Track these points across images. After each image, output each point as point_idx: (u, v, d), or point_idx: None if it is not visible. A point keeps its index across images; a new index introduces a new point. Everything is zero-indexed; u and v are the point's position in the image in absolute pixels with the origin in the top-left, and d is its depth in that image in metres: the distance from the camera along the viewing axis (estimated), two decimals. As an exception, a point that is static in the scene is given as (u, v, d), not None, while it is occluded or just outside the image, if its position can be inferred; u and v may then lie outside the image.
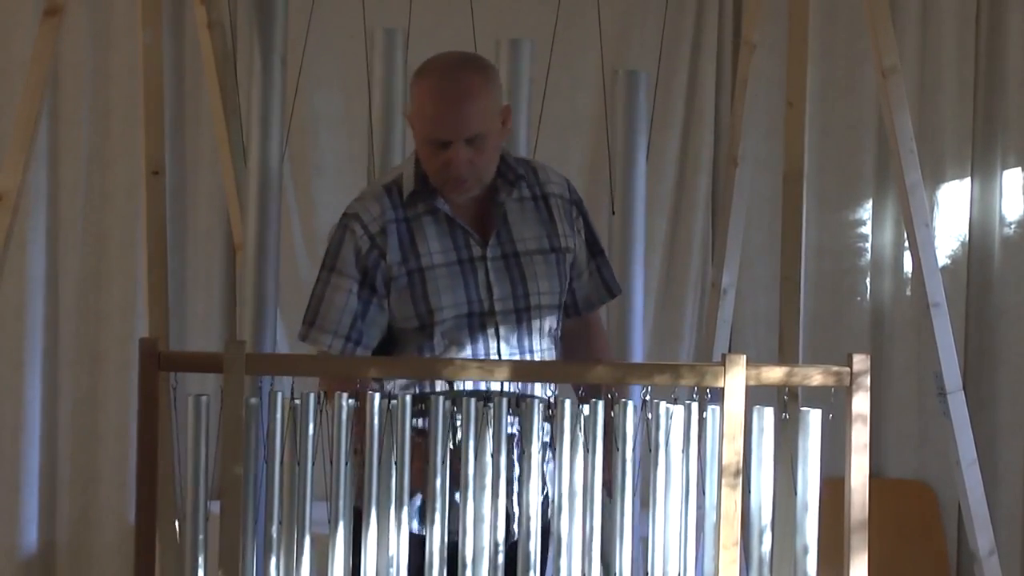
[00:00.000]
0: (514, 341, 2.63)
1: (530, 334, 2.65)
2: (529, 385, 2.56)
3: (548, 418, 2.42)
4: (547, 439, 2.47)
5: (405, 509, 2.37)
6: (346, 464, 2.36)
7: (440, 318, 2.60)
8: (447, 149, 2.55)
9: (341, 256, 2.65)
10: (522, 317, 2.63)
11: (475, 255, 2.63)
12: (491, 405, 2.37)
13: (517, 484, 2.45)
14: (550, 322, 2.68)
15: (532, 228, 2.67)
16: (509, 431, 2.41)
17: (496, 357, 2.59)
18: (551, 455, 2.43)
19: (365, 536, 2.37)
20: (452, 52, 2.65)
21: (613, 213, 3.34)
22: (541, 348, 2.66)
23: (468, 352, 2.60)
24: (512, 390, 2.48)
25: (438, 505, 2.37)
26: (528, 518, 2.38)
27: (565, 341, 2.78)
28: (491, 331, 2.61)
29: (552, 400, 2.44)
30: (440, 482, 2.37)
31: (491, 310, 2.62)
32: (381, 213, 2.63)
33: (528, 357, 2.62)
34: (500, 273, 2.63)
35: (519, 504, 2.43)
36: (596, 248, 2.79)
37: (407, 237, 2.62)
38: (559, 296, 2.69)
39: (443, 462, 2.37)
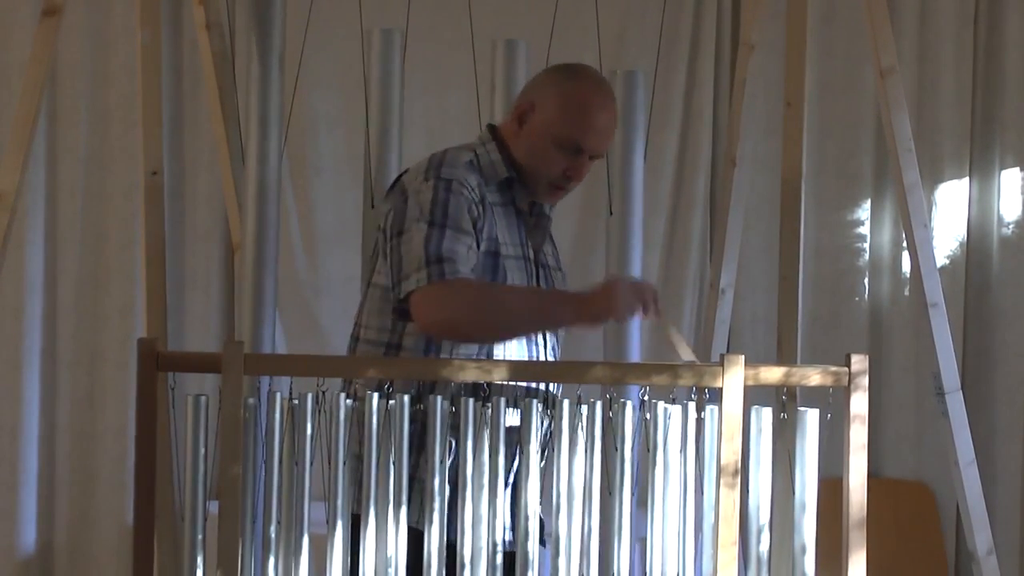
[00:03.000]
0: (553, 343, 2.67)
1: (557, 342, 2.70)
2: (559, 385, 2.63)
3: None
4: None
5: (404, 508, 2.37)
6: (344, 464, 2.36)
7: None
8: (578, 156, 2.60)
9: (452, 214, 2.46)
10: None
11: (529, 256, 2.67)
12: (489, 405, 2.37)
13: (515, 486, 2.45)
14: (560, 335, 2.74)
15: (550, 245, 2.77)
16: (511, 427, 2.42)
17: (545, 353, 2.63)
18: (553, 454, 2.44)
19: (364, 537, 2.37)
20: (592, 68, 2.70)
21: (611, 213, 3.34)
22: (558, 357, 2.71)
23: (524, 345, 2.60)
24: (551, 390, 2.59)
25: (436, 505, 2.37)
26: (527, 518, 2.38)
27: None
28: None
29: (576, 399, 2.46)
30: (439, 481, 2.37)
31: None
32: (477, 186, 2.54)
33: (553, 358, 2.68)
34: (546, 280, 2.70)
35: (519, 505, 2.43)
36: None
37: (492, 218, 2.57)
38: None
39: (442, 461, 2.37)
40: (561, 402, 2.38)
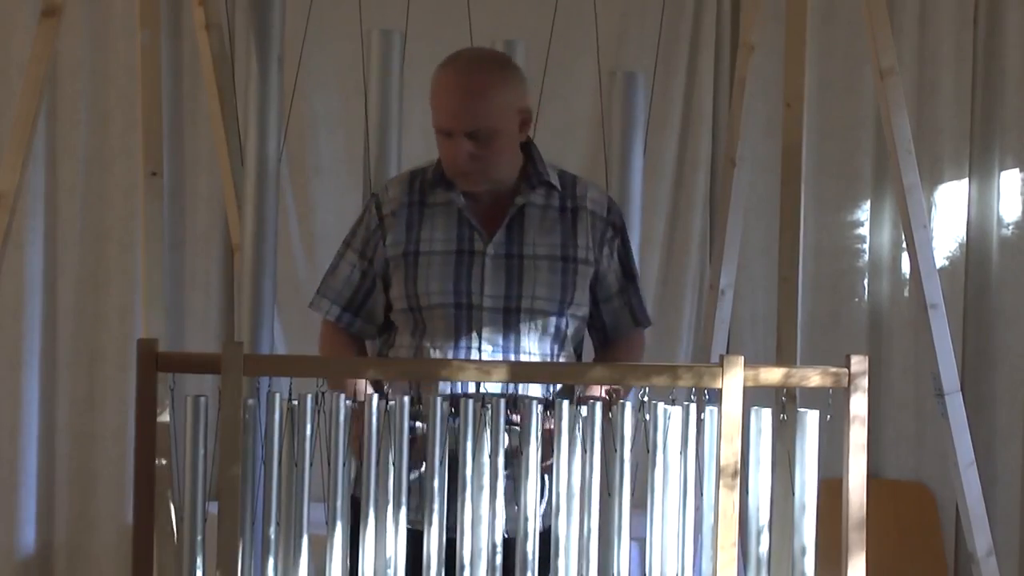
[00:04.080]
0: (499, 340, 2.62)
1: (518, 335, 2.63)
2: (525, 387, 2.56)
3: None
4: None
5: (404, 509, 2.37)
6: (344, 465, 2.36)
7: (427, 303, 2.63)
8: (450, 139, 2.60)
9: (355, 231, 2.76)
10: (510, 318, 2.62)
11: (475, 249, 2.64)
12: (489, 406, 2.37)
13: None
14: (547, 327, 2.65)
15: (548, 236, 2.68)
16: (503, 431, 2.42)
17: (477, 353, 2.60)
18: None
19: (363, 533, 2.37)
20: (480, 48, 2.74)
21: (611, 213, 3.34)
22: (533, 351, 2.64)
23: (451, 343, 2.61)
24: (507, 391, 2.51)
25: (436, 505, 2.37)
26: (527, 519, 2.38)
27: None
28: (475, 326, 2.61)
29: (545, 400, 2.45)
30: (439, 483, 2.37)
31: (479, 304, 2.62)
32: (399, 195, 2.71)
33: (514, 358, 2.61)
34: (497, 272, 2.64)
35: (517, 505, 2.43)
36: (629, 275, 2.79)
37: (416, 221, 2.68)
38: (563, 305, 2.66)
39: (441, 462, 2.37)
40: (561, 403, 2.39)
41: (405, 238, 2.67)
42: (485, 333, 2.61)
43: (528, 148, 2.73)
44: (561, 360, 2.68)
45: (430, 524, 2.37)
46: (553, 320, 2.65)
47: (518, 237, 2.66)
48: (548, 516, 2.44)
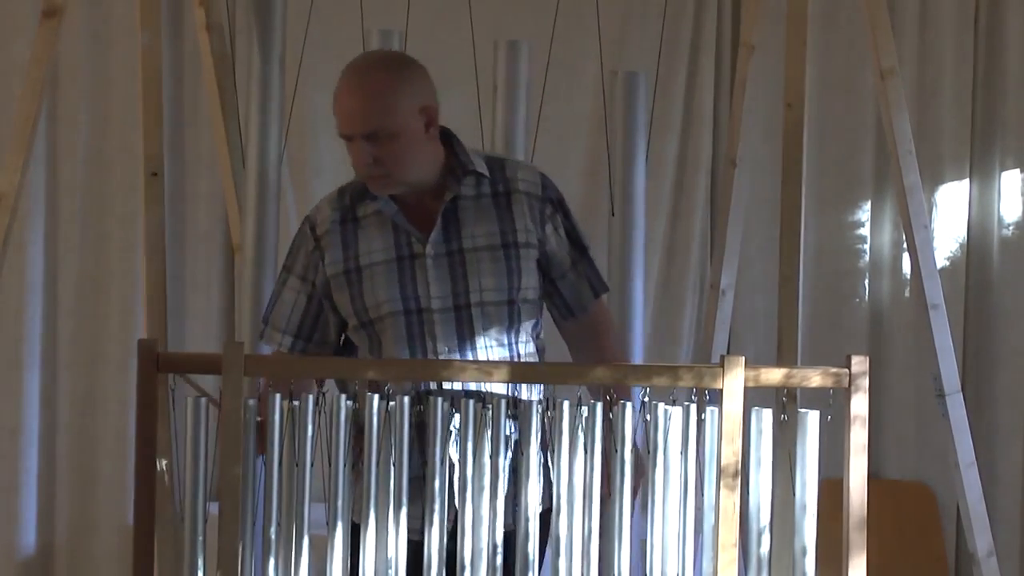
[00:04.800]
0: (453, 340, 2.59)
1: (472, 333, 2.61)
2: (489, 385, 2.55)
3: (514, 416, 2.44)
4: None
5: (404, 510, 2.37)
6: (344, 466, 2.36)
7: (377, 315, 2.61)
8: (352, 143, 2.59)
9: (293, 256, 2.72)
10: (461, 315, 2.60)
11: (415, 252, 2.63)
12: (489, 407, 2.38)
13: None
14: (500, 317, 2.62)
15: (485, 225, 2.64)
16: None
17: (432, 356, 2.58)
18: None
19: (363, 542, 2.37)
20: (377, 51, 2.73)
21: (613, 214, 3.34)
22: (491, 345, 2.61)
23: (406, 350, 2.58)
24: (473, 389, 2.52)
25: (437, 507, 2.37)
26: (527, 519, 2.38)
27: (571, 344, 2.78)
28: (427, 329, 2.59)
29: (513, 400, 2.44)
30: (440, 484, 2.37)
31: (427, 307, 2.60)
32: (330, 214, 2.69)
33: (471, 356, 2.58)
34: (440, 271, 2.61)
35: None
36: (578, 247, 2.73)
37: (352, 237, 2.66)
38: (512, 292, 2.62)
39: (442, 462, 2.37)
40: (561, 403, 2.39)
41: (343, 256, 2.65)
42: (439, 334, 2.59)
43: (449, 141, 2.69)
44: (522, 347, 2.64)
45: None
46: (505, 309, 2.62)
47: (456, 232, 2.63)
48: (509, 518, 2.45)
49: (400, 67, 2.62)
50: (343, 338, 2.72)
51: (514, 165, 2.73)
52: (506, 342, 2.62)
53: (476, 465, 2.38)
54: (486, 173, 2.66)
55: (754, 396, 2.39)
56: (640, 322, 3.36)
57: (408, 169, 2.60)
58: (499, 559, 2.39)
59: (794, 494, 2.39)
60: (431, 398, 2.40)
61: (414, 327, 2.59)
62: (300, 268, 2.70)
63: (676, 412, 2.39)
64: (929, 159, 4.60)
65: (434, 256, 2.61)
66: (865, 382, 2.37)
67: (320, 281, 2.67)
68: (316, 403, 2.37)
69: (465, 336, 2.60)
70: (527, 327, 2.66)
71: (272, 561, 2.36)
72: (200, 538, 2.36)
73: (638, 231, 3.35)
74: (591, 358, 2.72)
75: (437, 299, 2.60)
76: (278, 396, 2.37)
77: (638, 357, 3.35)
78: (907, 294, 4.71)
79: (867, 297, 4.78)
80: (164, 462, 2.74)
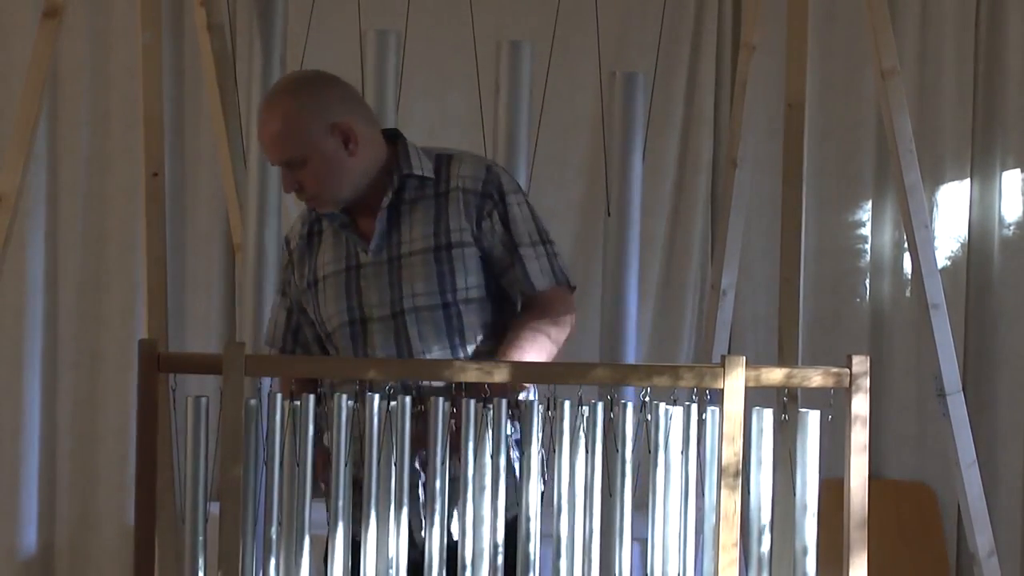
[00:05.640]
0: (391, 348, 2.59)
1: (408, 340, 2.59)
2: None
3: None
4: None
5: (405, 510, 2.37)
6: (345, 465, 2.36)
7: (331, 327, 2.64)
8: (282, 171, 2.62)
9: (279, 273, 2.87)
10: (398, 322, 2.59)
11: (360, 262, 2.64)
12: (490, 407, 2.37)
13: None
14: (436, 322, 2.59)
15: (422, 227, 2.61)
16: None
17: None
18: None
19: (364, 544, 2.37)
20: (286, 76, 2.75)
21: (609, 214, 3.34)
22: (429, 352, 2.59)
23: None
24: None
25: (437, 506, 2.37)
26: (528, 519, 2.38)
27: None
28: (368, 339, 2.60)
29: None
30: (440, 484, 2.37)
31: (369, 317, 2.60)
32: (299, 229, 2.76)
33: None
34: (377, 279, 2.62)
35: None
36: (517, 241, 2.63)
37: (315, 250, 2.71)
38: (446, 295, 2.59)
39: (443, 462, 2.37)
40: (562, 403, 2.39)
41: (307, 269, 2.70)
42: (377, 343, 2.59)
43: (394, 144, 2.67)
44: (470, 348, 2.60)
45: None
46: (440, 313, 2.59)
47: (396, 238, 2.62)
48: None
49: (302, 90, 2.60)
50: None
51: (460, 161, 2.67)
52: (447, 345, 2.59)
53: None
54: (428, 174, 2.64)
55: (755, 396, 2.39)
56: (634, 321, 3.36)
57: (333, 188, 2.60)
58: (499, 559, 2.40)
59: (795, 494, 2.39)
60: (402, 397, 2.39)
61: (357, 337, 2.61)
62: (280, 284, 2.81)
63: (677, 412, 2.39)
64: (930, 159, 4.60)
65: (373, 264, 2.62)
66: (866, 382, 2.37)
67: (294, 295, 2.74)
68: (316, 402, 2.37)
69: (402, 343, 2.59)
70: (475, 328, 2.62)
71: (273, 561, 2.36)
72: (201, 538, 2.36)
73: (634, 231, 3.35)
74: (510, 331, 2.63)
75: (376, 308, 2.60)
76: (279, 396, 2.37)
77: (632, 357, 3.34)
78: (908, 294, 4.71)
79: (868, 297, 4.78)
80: (165, 462, 2.74)
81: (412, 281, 2.59)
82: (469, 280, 2.61)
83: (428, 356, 2.57)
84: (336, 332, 2.63)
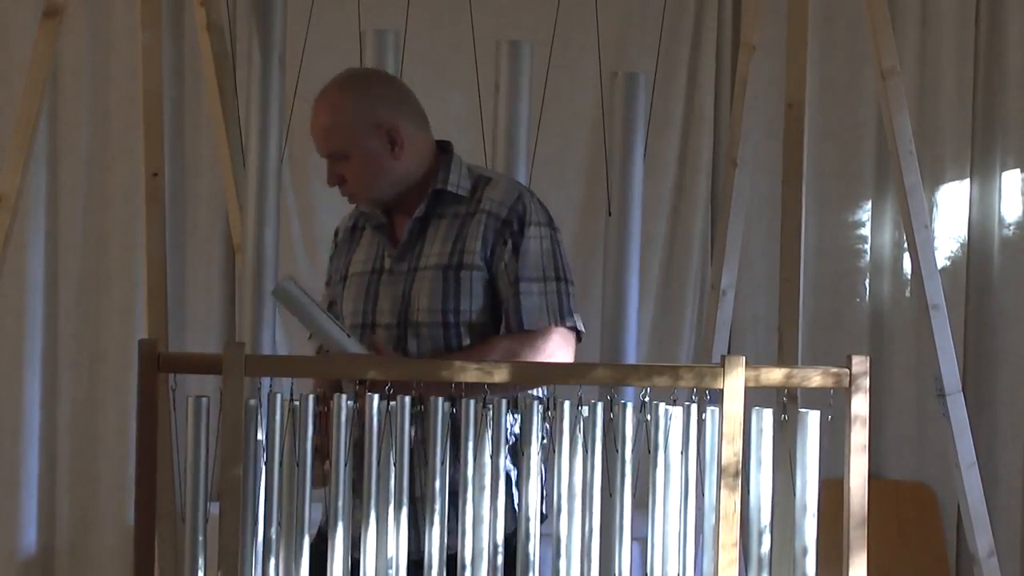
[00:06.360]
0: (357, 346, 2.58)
1: (407, 354, 2.60)
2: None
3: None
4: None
5: (404, 510, 2.37)
6: (345, 465, 2.36)
7: (350, 324, 2.68)
8: (328, 162, 2.67)
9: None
10: (400, 333, 2.60)
11: (385, 267, 2.66)
12: (490, 407, 2.37)
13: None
14: (435, 339, 2.58)
15: (440, 243, 2.62)
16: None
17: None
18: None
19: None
20: (345, 71, 2.73)
21: (610, 214, 3.34)
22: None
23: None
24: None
25: (438, 506, 2.37)
26: (528, 519, 2.38)
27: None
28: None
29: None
30: (440, 484, 2.37)
31: (377, 323, 2.62)
32: (347, 222, 2.83)
33: None
34: (394, 288, 2.63)
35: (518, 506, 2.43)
36: (520, 275, 2.60)
37: (354, 245, 2.76)
38: (448, 314, 2.58)
39: (443, 463, 2.37)
40: (562, 403, 2.38)
41: (345, 262, 2.75)
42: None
43: (440, 157, 2.69)
44: None
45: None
46: (440, 332, 2.59)
47: (418, 251, 2.63)
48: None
49: (357, 86, 2.65)
50: None
51: (495, 185, 2.67)
52: None
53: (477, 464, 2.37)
54: (462, 193, 2.65)
55: (755, 396, 2.39)
56: (635, 322, 3.34)
57: (370, 187, 2.63)
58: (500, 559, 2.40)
59: (795, 494, 2.39)
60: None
61: (364, 341, 2.61)
62: (327, 275, 2.85)
63: (677, 412, 2.39)
64: (930, 159, 4.61)
65: (392, 272, 2.64)
66: (866, 382, 2.37)
67: (335, 286, 2.78)
68: (316, 402, 2.37)
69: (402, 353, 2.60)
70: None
71: (273, 561, 2.36)
72: (201, 538, 2.36)
73: (635, 231, 3.34)
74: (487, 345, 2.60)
75: (384, 315, 2.62)
76: (279, 396, 2.37)
77: (632, 357, 3.34)
78: (908, 294, 4.71)
79: (868, 297, 4.78)
80: (165, 462, 2.73)
81: (419, 295, 2.60)
82: (473, 304, 2.60)
83: None
84: (354, 331, 2.63)
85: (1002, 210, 4.69)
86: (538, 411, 2.38)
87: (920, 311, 3.43)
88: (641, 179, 3.34)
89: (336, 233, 2.85)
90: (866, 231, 4.78)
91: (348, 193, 2.67)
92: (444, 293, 2.59)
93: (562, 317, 2.63)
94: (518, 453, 2.43)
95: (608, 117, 3.38)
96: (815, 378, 2.38)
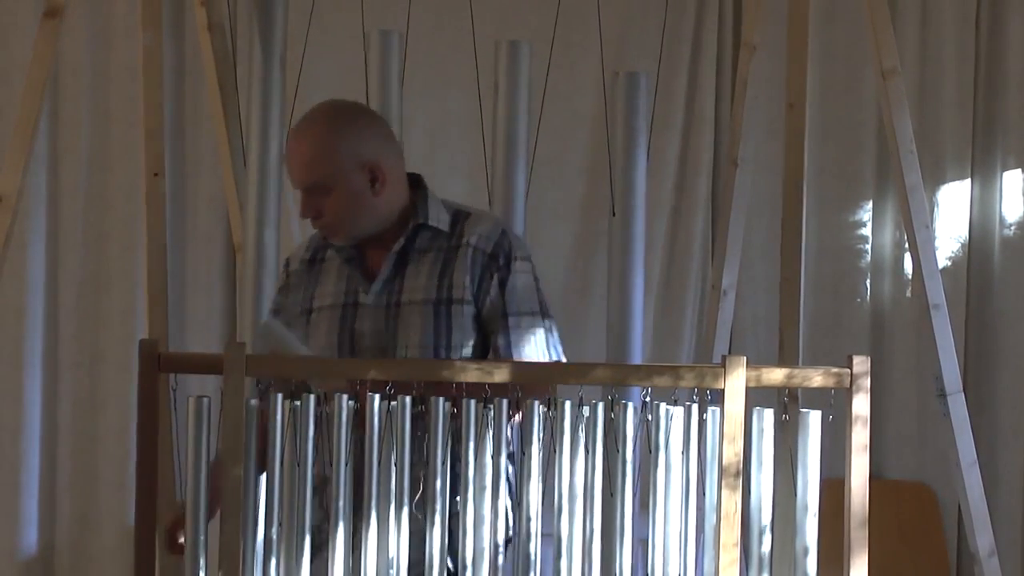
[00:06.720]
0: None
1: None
2: None
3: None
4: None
5: (405, 509, 2.37)
6: (346, 464, 2.36)
7: None
8: (302, 195, 2.59)
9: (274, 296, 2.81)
10: None
11: (360, 301, 2.62)
12: (491, 406, 2.37)
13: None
14: None
15: (425, 278, 2.61)
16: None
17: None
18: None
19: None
20: (325, 102, 2.67)
21: (613, 214, 3.34)
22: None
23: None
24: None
25: (438, 506, 2.37)
26: (528, 518, 2.38)
27: None
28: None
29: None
30: (441, 483, 2.37)
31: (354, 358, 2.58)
32: (301, 253, 2.75)
33: None
34: (376, 322, 2.60)
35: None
36: (508, 310, 2.61)
37: (314, 278, 2.70)
38: (439, 350, 2.56)
39: (443, 462, 2.37)
40: (563, 403, 2.38)
41: (303, 296, 2.69)
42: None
43: (415, 191, 2.66)
44: None
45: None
46: None
47: (399, 285, 2.61)
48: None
49: (344, 121, 2.59)
50: None
51: (477, 219, 2.67)
52: None
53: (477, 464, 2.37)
54: (443, 227, 2.63)
55: (755, 396, 2.38)
56: (640, 322, 3.35)
57: (349, 223, 2.60)
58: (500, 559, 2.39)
59: (795, 494, 2.39)
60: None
61: None
62: (273, 304, 2.78)
63: (677, 412, 2.39)
64: (930, 159, 4.60)
65: (372, 306, 2.61)
66: (866, 382, 2.36)
67: (283, 320, 2.69)
68: (316, 402, 2.37)
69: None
70: None
71: (273, 561, 2.36)
72: (202, 538, 2.36)
73: (638, 231, 3.35)
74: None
75: (368, 351, 2.58)
76: (279, 396, 2.37)
77: (638, 357, 3.34)
78: (908, 294, 4.71)
79: (868, 297, 4.78)
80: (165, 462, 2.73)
81: (408, 331, 2.58)
82: (464, 338, 2.59)
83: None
84: None
85: (1003, 210, 4.69)
86: (539, 411, 2.38)
87: (921, 311, 3.43)
88: (644, 179, 3.34)
89: (287, 264, 2.76)
90: (867, 231, 4.78)
91: (324, 227, 2.61)
92: (436, 328, 2.58)
93: (557, 352, 2.67)
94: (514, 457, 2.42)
95: (610, 117, 3.39)
96: (816, 378, 2.37)
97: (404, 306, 2.60)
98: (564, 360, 2.68)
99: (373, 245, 2.64)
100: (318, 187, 2.56)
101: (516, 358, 2.59)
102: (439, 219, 2.64)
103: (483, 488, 2.35)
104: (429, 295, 2.59)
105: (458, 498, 2.35)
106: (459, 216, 2.67)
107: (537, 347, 2.63)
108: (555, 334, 2.68)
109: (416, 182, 2.69)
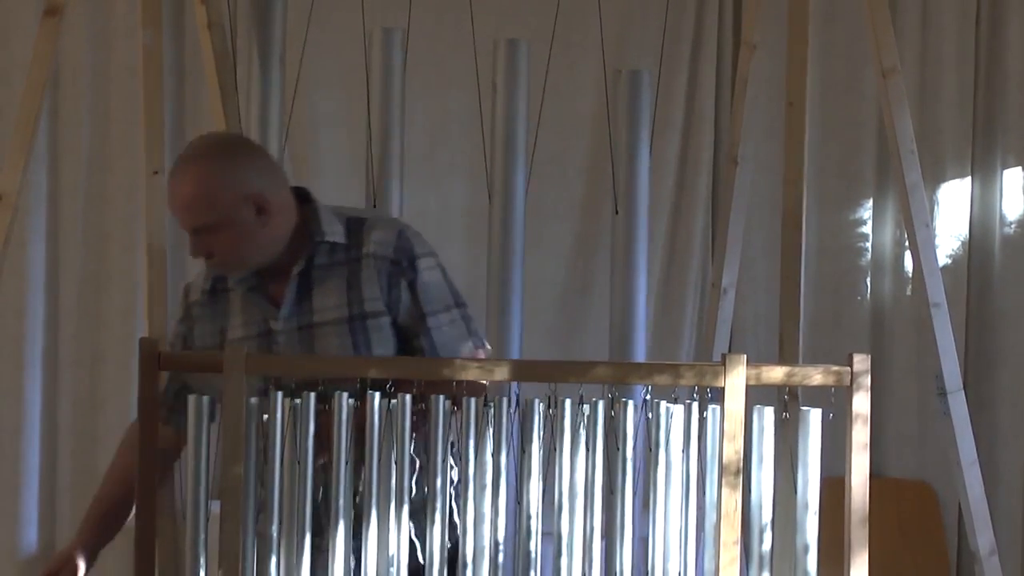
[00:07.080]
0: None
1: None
2: None
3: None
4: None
5: (406, 508, 2.37)
6: (347, 464, 2.36)
7: None
8: (191, 235, 2.55)
9: (172, 327, 2.76)
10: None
11: (272, 328, 2.59)
12: (491, 405, 2.37)
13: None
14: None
15: (335, 296, 2.57)
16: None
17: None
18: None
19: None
20: (204, 138, 2.63)
21: (616, 212, 3.34)
22: None
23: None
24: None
25: (439, 504, 2.37)
26: (529, 517, 2.38)
27: None
28: None
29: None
30: (441, 482, 2.37)
31: (278, 387, 2.50)
32: (202, 283, 2.69)
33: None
34: (290, 348, 2.57)
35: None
36: (425, 311, 2.59)
37: (220, 309, 2.64)
38: None
39: (443, 460, 2.37)
40: (563, 401, 2.38)
41: (211, 328, 2.64)
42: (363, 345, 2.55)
43: (304, 205, 2.61)
44: None
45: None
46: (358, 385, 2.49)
47: (308, 306, 2.57)
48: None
49: (222, 158, 2.53)
50: None
51: (372, 225, 2.60)
52: None
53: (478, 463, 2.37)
54: (340, 239, 2.58)
55: (756, 394, 2.38)
56: (643, 320, 3.35)
57: (242, 258, 2.55)
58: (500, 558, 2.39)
59: (796, 492, 2.39)
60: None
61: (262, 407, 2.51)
62: (171, 337, 2.72)
63: (678, 410, 2.39)
64: (930, 158, 4.60)
65: (284, 332, 2.58)
66: (867, 380, 2.36)
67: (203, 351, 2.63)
68: (316, 401, 2.37)
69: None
70: None
71: (273, 560, 2.36)
72: (202, 537, 2.36)
73: (641, 229, 3.35)
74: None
75: (288, 378, 2.49)
76: (280, 394, 2.37)
77: (640, 355, 3.34)
78: (909, 292, 4.71)
79: (869, 295, 4.78)
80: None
81: (328, 351, 2.55)
82: (387, 349, 2.57)
83: None
84: None
85: (1003, 208, 4.69)
86: (539, 410, 2.38)
87: (921, 309, 3.43)
88: (647, 178, 3.34)
89: (187, 294, 2.71)
90: (867, 230, 4.78)
91: (217, 265, 2.57)
92: (355, 345, 2.55)
93: (480, 340, 2.66)
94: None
95: (613, 114, 3.39)
96: (816, 376, 2.37)
97: (317, 327, 2.56)
98: (486, 343, 2.68)
99: (272, 271, 2.58)
100: (205, 228, 2.50)
101: (444, 355, 2.57)
102: (333, 231, 2.58)
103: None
104: (342, 313, 2.56)
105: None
106: (353, 224, 2.60)
107: (461, 339, 2.61)
108: (474, 320, 2.65)
109: (304, 196, 2.63)
